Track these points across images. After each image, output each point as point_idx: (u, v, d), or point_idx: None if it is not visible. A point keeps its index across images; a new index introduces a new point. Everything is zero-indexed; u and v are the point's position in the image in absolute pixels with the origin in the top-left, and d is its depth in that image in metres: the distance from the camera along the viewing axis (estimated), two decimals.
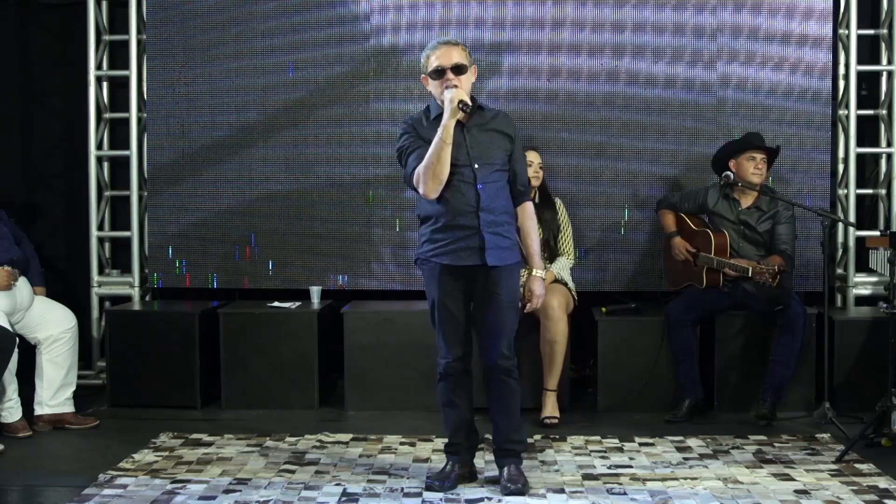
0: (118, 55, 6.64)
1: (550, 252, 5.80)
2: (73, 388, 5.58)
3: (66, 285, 6.75)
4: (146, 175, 6.50)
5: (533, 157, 5.72)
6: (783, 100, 6.20)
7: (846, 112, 6.32)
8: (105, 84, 6.66)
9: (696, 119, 6.23)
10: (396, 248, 6.35)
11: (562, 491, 4.41)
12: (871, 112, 6.43)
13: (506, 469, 4.42)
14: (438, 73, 4.28)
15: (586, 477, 4.61)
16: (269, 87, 6.36)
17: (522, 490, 4.34)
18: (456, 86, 4.23)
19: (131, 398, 5.96)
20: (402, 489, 4.43)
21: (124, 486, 4.46)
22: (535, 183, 5.76)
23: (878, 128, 6.46)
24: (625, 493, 4.38)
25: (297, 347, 5.94)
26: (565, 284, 5.79)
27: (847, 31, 6.29)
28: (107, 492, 4.39)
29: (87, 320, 6.52)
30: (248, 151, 6.38)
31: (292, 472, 4.70)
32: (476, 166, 4.27)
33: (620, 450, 5.07)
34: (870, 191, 6.50)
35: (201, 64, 6.38)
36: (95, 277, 6.61)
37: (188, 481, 4.53)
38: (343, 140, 6.34)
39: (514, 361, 4.40)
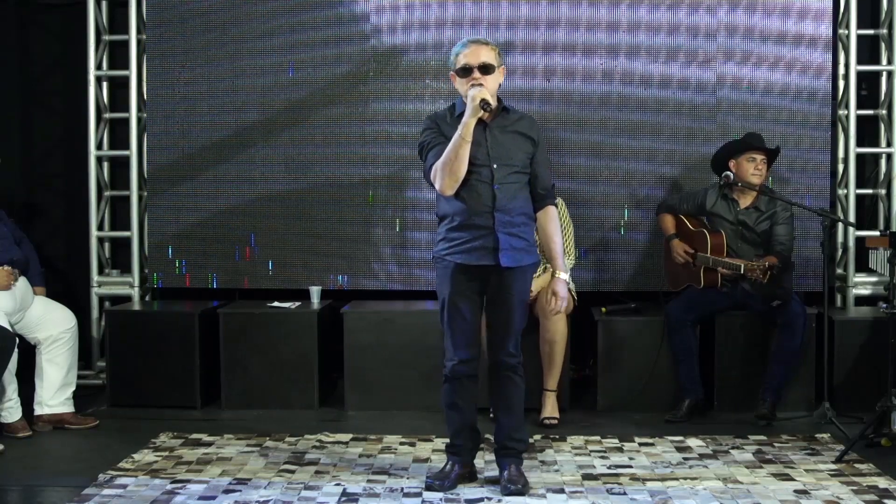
0: (118, 55, 6.64)
1: None
2: (73, 388, 5.58)
3: (66, 285, 6.75)
4: (146, 175, 6.50)
5: None
6: (783, 99, 6.20)
7: (846, 112, 6.32)
8: (105, 84, 6.66)
9: (696, 119, 6.23)
10: (396, 248, 6.35)
11: (562, 491, 4.41)
12: (870, 112, 6.43)
13: (506, 469, 4.42)
14: (465, 72, 4.28)
15: (586, 477, 4.61)
16: (269, 87, 6.36)
17: (522, 490, 4.34)
18: (481, 85, 4.23)
19: (131, 398, 5.96)
20: (402, 489, 4.43)
21: (124, 486, 4.46)
22: None
23: (878, 128, 6.46)
24: (625, 493, 4.38)
25: (297, 347, 5.94)
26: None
27: (847, 31, 6.29)
28: (107, 492, 4.39)
29: (87, 320, 6.52)
30: (248, 151, 6.38)
31: (292, 472, 4.70)
32: (494, 166, 4.27)
33: (620, 450, 5.07)
34: (870, 191, 6.50)
35: (201, 64, 6.38)
36: (95, 277, 6.61)
37: (188, 481, 4.53)
38: (343, 140, 6.34)
39: (520, 359, 4.41)
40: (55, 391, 5.49)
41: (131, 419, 5.69)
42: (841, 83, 6.36)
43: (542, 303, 5.49)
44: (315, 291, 6.19)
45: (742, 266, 5.48)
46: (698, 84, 6.22)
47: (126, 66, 6.52)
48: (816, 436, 5.27)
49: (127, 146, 6.56)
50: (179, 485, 4.48)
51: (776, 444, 5.14)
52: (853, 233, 6.33)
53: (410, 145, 6.29)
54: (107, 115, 6.64)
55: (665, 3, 6.20)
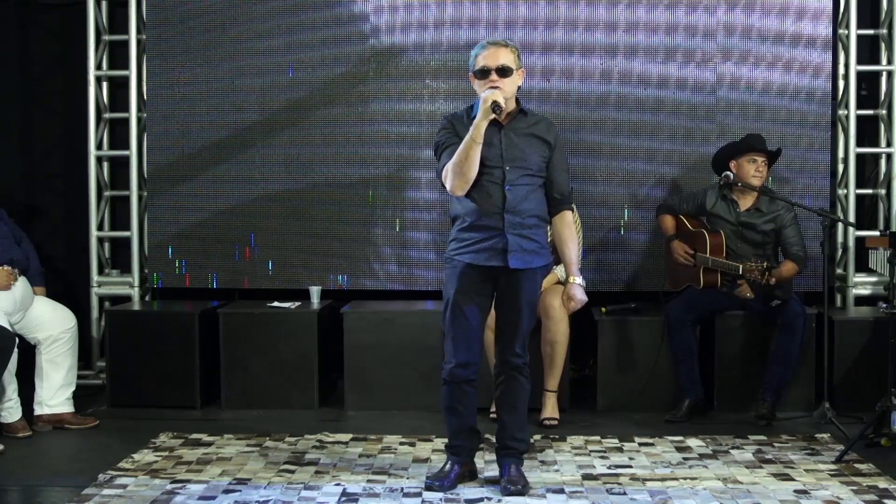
0: (118, 55, 6.64)
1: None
2: (73, 388, 5.58)
3: (66, 285, 6.75)
4: (146, 175, 6.50)
5: None
6: (782, 99, 6.20)
7: (846, 112, 6.32)
8: (105, 84, 6.66)
9: (695, 119, 6.23)
10: (396, 248, 6.34)
11: (561, 491, 4.41)
12: (870, 112, 6.43)
13: (506, 470, 4.42)
14: (483, 74, 4.26)
15: (586, 477, 4.61)
16: (269, 87, 6.36)
17: (522, 491, 4.34)
18: (498, 87, 4.22)
19: (131, 398, 5.96)
20: (402, 489, 4.43)
21: (124, 486, 4.46)
22: None
23: (878, 128, 6.46)
24: (624, 493, 4.38)
25: (297, 347, 5.94)
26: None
27: (847, 31, 6.29)
28: (107, 492, 4.39)
29: (87, 320, 6.52)
30: (248, 151, 6.38)
31: (292, 472, 4.70)
32: (507, 168, 4.26)
33: (620, 450, 5.07)
34: (869, 191, 6.50)
35: (201, 64, 6.38)
36: (95, 277, 6.61)
37: (188, 481, 4.53)
38: (342, 140, 6.34)
39: (527, 360, 4.41)
40: (55, 391, 5.49)
41: (131, 419, 5.69)
42: (841, 83, 6.36)
43: (545, 303, 5.49)
44: (315, 291, 6.19)
45: (740, 267, 5.48)
46: (697, 84, 6.22)
47: (126, 66, 6.52)
48: (816, 436, 5.27)
49: (127, 146, 6.56)
50: (179, 485, 4.48)
51: (776, 444, 5.14)
52: (853, 233, 6.33)
53: (410, 145, 6.30)
54: (107, 115, 6.64)
55: (663, 3, 6.20)
